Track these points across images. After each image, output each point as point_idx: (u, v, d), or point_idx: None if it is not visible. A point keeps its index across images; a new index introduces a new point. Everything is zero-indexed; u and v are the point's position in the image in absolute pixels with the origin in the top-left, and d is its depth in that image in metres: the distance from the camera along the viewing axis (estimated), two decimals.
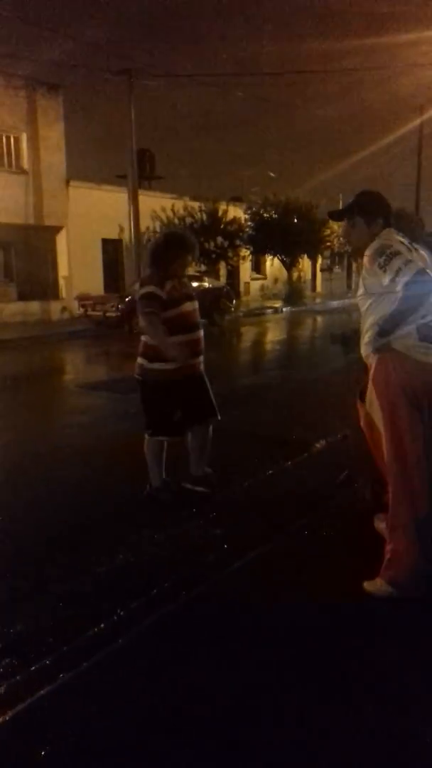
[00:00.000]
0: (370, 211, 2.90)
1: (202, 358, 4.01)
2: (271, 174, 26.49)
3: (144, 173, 23.39)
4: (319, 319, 19.39)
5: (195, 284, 17.97)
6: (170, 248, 3.89)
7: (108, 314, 15.91)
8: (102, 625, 2.61)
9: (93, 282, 20.41)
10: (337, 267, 33.15)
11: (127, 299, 16.17)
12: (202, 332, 3.97)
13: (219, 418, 4.07)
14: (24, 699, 2.19)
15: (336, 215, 3.13)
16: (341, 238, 3.65)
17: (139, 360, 3.96)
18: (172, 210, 21.35)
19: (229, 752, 1.96)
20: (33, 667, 2.36)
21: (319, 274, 33.20)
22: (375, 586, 2.78)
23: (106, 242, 21.50)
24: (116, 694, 2.23)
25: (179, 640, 2.54)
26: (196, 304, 3.99)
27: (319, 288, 33.03)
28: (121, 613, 2.69)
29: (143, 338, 3.93)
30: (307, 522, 3.50)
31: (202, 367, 4.03)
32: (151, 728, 2.05)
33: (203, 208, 21.64)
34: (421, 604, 2.71)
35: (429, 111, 28.39)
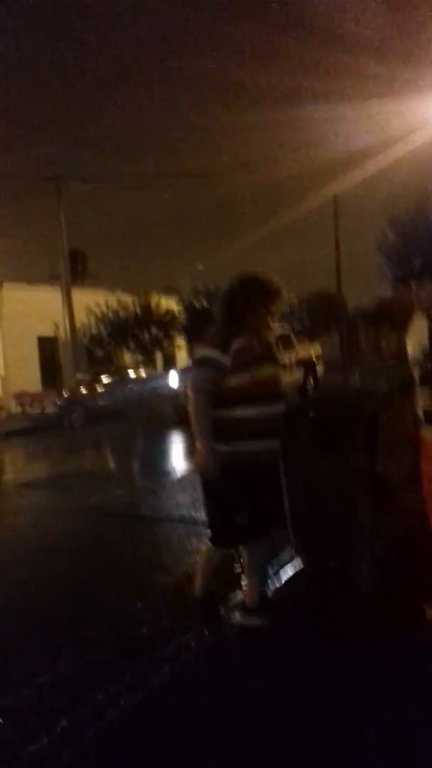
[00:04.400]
0: None
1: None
2: (200, 267, 27.63)
3: (77, 272, 23.96)
4: None
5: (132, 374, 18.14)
6: (249, 294, 2.99)
7: (46, 411, 15.81)
8: (45, 740, 2.47)
9: (30, 379, 20.34)
10: None
11: (65, 395, 16.16)
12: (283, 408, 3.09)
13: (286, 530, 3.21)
14: None
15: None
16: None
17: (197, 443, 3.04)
18: (106, 305, 21.80)
19: None
20: None
21: None
22: None
23: (42, 340, 21.64)
24: None
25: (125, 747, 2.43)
26: (279, 370, 3.11)
27: None
28: (65, 724, 2.57)
29: None
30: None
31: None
32: None
33: (136, 301, 22.20)
34: None
35: (340, 186, 30.45)
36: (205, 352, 2.96)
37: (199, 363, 2.98)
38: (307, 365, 15.75)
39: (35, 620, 3.73)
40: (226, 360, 2.89)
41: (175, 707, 2.66)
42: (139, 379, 17.25)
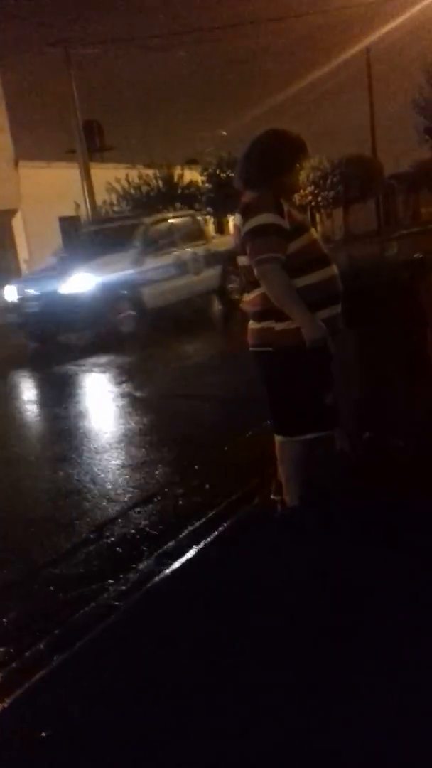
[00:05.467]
0: None
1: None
2: (223, 132, 25.98)
3: (94, 146, 22.88)
4: None
5: None
6: (284, 150, 2.69)
7: None
8: (93, 604, 2.63)
9: None
10: None
11: None
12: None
13: None
14: (21, 684, 2.21)
15: None
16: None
17: (256, 324, 2.77)
18: (127, 180, 20.96)
19: (232, 734, 1.92)
20: (27, 653, 2.38)
21: None
22: None
23: (63, 220, 21.07)
24: (112, 671, 2.25)
25: (171, 612, 2.56)
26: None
27: None
28: (111, 590, 2.71)
29: (257, 292, 2.72)
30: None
31: None
32: (151, 704, 2.06)
33: (158, 174, 21.25)
34: None
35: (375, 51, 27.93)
36: (266, 218, 2.57)
37: (263, 231, 2.57)
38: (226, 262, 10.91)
39: (74, 490, 3.89)
40: (287, 224, 2.58)
41: (216, 570, 2.79)
42: None
